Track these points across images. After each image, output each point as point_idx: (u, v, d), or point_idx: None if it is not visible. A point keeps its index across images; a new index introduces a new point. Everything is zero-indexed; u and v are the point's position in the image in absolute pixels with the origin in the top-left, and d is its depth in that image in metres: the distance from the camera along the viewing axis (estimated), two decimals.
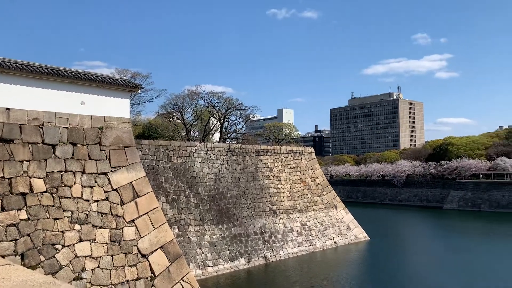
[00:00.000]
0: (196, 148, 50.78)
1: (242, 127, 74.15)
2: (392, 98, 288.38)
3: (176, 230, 43.29)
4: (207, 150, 51.95)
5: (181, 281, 24.03)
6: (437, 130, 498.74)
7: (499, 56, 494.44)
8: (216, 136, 74.44)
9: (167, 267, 23.68)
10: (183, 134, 66.08)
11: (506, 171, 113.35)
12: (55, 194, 21.36)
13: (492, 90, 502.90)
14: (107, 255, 21.98)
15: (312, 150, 69.07)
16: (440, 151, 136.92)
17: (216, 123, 68.78)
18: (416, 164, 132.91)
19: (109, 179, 23.67)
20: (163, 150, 47.18)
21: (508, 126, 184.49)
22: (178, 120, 67.19)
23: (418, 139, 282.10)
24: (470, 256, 53.95)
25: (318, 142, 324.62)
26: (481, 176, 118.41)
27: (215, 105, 64.63)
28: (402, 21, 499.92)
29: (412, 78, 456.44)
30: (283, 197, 58.15)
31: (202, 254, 43.96)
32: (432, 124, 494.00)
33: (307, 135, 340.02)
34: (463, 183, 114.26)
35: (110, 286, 21.39)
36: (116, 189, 23.71)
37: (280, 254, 51.42)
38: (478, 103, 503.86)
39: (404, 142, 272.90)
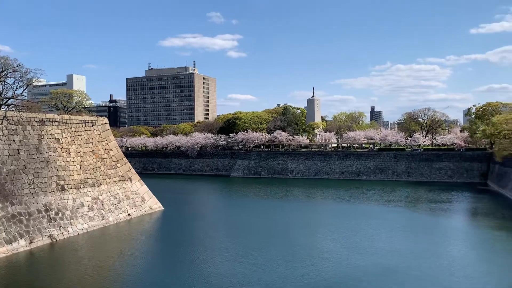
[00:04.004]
0: None
1: (23, 93, 64.68)
2: (188, 72, 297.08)
3: None
4: None
5: None
6: (228, 105, 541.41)
7: (281, 42, 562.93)
8: None
9: None
10: None
11: (281, 143, 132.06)
12: None
13: (272, 72, 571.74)
14: None
15: (106, 120, 66.08)
16: (229, 125, 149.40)
17: None
18: (209, 136, 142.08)
19: None
20: None
21: (284, 104, 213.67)
22: None
23: (211, 113, 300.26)
24: (248, 214, 61.84)
25: (113, 113, 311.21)
26: (262, 147, 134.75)
27: None
28: None
29: (206, 54, 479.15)
30: (72, 170, 54.27)
31: None
32: (224, 99, 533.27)
33: (101, 104, 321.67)
34: (248, 153, 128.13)
35: None
36: None
37: (68, 232, 48.31)
38: (261, 83, 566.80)
39: (199, 115, 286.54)
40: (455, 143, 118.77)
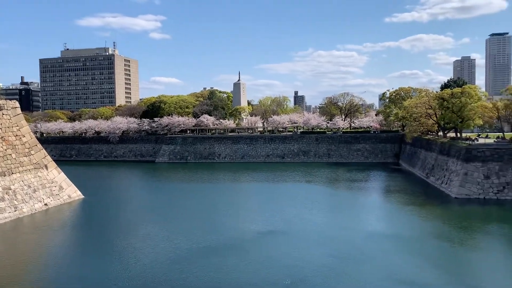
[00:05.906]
0: None
1: None
2: (108, 53, 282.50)
3: None
4: None
5: None
6: (151, 88, 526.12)
7: (205, 25, 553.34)
8: None
9: None
10: None
11: (208, 127, 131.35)
12: None
13: (197, 56, 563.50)
14: None
15: (17, 104, 61.13)
16: (153, 109, 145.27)
17: None
18: (132, 121, 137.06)
19: None
20: None
21: (211, 88, 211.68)
22: None
23: (133, 96, 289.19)
24: (173, 199, 61.25)
25: (25, 96, 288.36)
26: (188, 131, 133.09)
27: None
28: None
29: (127, 35, 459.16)
30: None
31: None
32: (147, 82, 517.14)
33: (11, 87, 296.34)
34: (174, 138, 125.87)
35: None
36: None
37: None
38: (186, 66, 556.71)
39: (120, 99, 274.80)
40: (371, 126, 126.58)
